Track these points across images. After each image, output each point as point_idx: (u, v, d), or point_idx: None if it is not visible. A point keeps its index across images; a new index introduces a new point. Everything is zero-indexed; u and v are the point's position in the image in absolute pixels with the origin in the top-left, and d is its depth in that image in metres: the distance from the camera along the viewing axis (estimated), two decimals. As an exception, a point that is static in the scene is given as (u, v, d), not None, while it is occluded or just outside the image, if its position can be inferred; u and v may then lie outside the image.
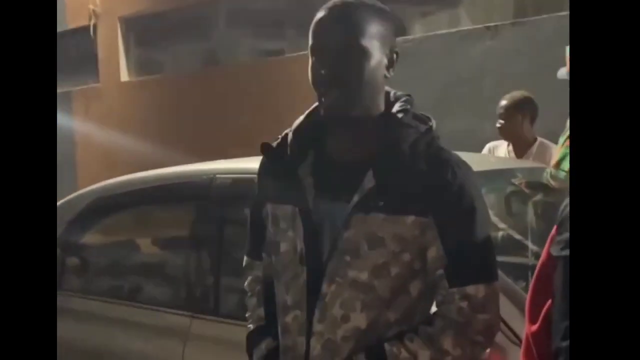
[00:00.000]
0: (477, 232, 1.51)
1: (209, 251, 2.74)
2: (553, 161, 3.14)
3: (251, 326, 1.75)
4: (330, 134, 1.59)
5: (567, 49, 3.39)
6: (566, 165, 3.05)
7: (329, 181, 1.56)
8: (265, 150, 1.65)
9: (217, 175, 2.72)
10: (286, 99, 6.76)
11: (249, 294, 1.79)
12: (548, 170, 3.05)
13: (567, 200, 1.43)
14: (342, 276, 1.52)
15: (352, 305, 1.51)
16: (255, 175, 2.84)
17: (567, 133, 3.17)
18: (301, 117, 1.65)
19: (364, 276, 1.51)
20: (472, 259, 1.50)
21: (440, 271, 1.50)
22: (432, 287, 1.54)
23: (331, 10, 1.52)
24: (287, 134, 1.64)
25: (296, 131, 1.62)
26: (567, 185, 2.93)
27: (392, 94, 1.61)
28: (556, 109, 3.95)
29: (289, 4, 7.18)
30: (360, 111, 1.53)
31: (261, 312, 1.73)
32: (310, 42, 1.53)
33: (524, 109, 4.05)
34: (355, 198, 1.51)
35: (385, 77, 1.55)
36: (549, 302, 1.44)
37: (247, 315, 1.79)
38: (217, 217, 2.70)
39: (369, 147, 1.54)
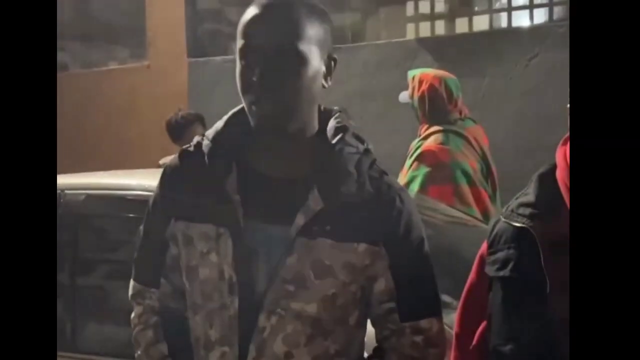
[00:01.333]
0: (426, 264, 1.42)
1: (59, 277, 2.48)
2: (401, 183, 3.25)
3: None
4: (259, 146, 1.40)
5: (410, 73, 3.54)
6: (415, 186, 3.19)
7: (261, 199, 1.37)
8: (183, 157, 1.44)
9: (67, 191, 2.48)
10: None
11: (140, 327, 1.50)
12: None
13: (498, 216, 1.46)
14: (284, 308, 1.34)
15: (296, 341, 1.35)
16: (112, 192, 2.60)
17: (414, 157, 3.32)
18: (219, 124, 1.44)
19: (311, 308, 1.35)
20: (424, 293, 1.41)
21: (390, 304, 1.40)
22: (377, 319, 1.43)
23: (265, 7, 1.33)
24: (200, 142, 1.43)
25: (215, 140, 1.41)
26: (418, 203, 3.10)
27: (321, 107, 1.45)
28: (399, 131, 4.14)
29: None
30: (297, 124, 1.36)
31: (163, 348, 1.48)
32: (239, 43, 1.34)
33: None
34: (301, 220, 1.34)
35: (323, 86, 1.38)
36: (484, 323, 1.45)
37: (137, 353, 1.52)
38: (68, 238, 2.45)
39: (307, 164, 1.39)
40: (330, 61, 1.38)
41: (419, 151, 3.30)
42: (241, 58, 1.33)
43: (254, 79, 1.30)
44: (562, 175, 1.33)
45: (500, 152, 3.77)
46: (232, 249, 1.36)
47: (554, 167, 1.37)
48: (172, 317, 1.48)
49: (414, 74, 3.48)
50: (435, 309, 1.42)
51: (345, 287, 1.36)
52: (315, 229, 1.34)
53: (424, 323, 1.40)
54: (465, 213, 3.09)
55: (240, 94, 1.35)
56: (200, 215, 1.39)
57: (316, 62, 1.34)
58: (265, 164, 1.39)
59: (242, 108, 1.43)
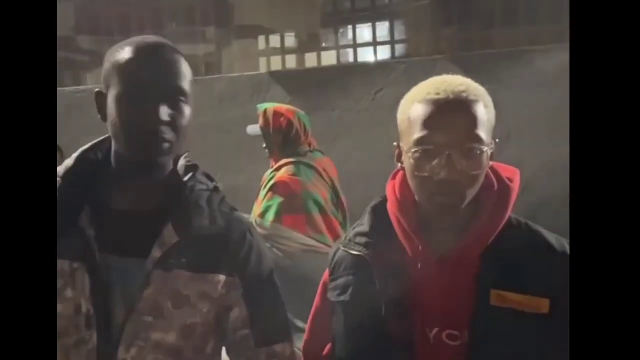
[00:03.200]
0: (276, 292, 1.51)
1: None
2: (256, 213, 3.35)
3: None
4: (114, 182, 1.44)
5: (259, 106, 3.65)
6: (270, 215, 3.29)
7: (116, 233, 1.40)
8: None
9: None
10: None
11: None
12: (253, 218, 3.25)
13: (337, 245, 1.56)
14: (143, 339, 1.38)
15: None
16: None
17: (267, 187, 3.42)
18: (69, 162, 1.47)
19: (170, 337, 1.39)
20: (276, 319, 1.50)
21: (245, 331, 1.47)
22: (233, 346, 1.49)
23: (147, 49, 1.38)
24: None
25: (65, 177, 1.44)
26: (272, 232, 3.20)
27: None
28: (252, 163, 4.23)
29: None
30: (166, 161, 1.44)
31: None
32: (120, 82, 1.36)
33: None
34: (157, 253, 1.38)
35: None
36: (328, 345, 1.55)
37: None
38: None
39: (161, 199, 1.44)
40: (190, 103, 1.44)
41: (272, 182, 3.40)
42: (124, 97, 1.35)
43: (146, 118, 1.34)
44: (391, 207, 1.46)
45: (349, 182, 3.96)
46: (88, 283, 1.38)
47: (385, 199, 1.50)
48: None
49: (265, 107, 3.60)
50: (287, 334, 1.51)
51: (203, 316, 1.42)
52: (171, 262, 1.39)
53: (277, 347, 1.48)
54: (317, 240, 3.22)
55: (120, 132, 1.36)
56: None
57: (190, 102, 1.41)
58: (121, 198, 1.43)
59: (93, 145, 1.49)
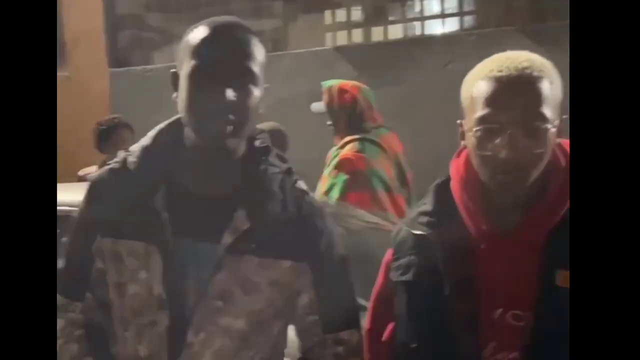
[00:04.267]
0: (347, 279, 1.50)
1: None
2: (321, 191, 3.35)
3: None
4: (188, 164, 1.42)
5: (324, 83, 3.63)
6: (334, 193, 3.28)
7: (189, 216, 1.39)
8: (109, 173, 1.46)
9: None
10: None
11: (63, 339, 1.48)
12: (318, 197, 3.24)
13: (400, 225, 1.56)
14: (213, 323, 1.38)
15: (225, 355, 1.39)
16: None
17: (332, 165, 3.41)
18: (145, 141, 1.46)
19: (239, 324, 1.39)
20: (345, 306, 1.49)
21: (314, 317, 1.46)
22: (302, 331, 1.49)
23: (221, 30, 1.37)
24: (125, 159, 1.45)
25: (141, 156, 1.43)
26: (337, 210, 3.19)
27: None
28: (316, 140, 4.24)
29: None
30: (237, 143, 1.40)
31: None
32: (191, 62, 1.35)
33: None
34: (229, 239, 1.37)
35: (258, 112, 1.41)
36: (390, 325, 1.54)
37: None
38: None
39: (234, 183, 1.42)
40: (263, 86, 1.42)
41: (337, 159, 3.39)
42: (194, 77, 1.34)
43: (214, 97, 1.33)
44: (455, 187, 1.44)
45: (416, 158, 3.91)
46: (161, 266, 1.38)
47: (449, 178, 1.47)
48: (96, 331, 1.49)
49: (330, 84, 3.57)
50: (355, 322, 1.51)
51: (271, 302, 1.42)
52: (241, 247, 1.38)
53: (344, 335, 1.47)
54: (382, 218, 3.20)
55: (188, 112, 1.36)
56: (129, 232, 1.41)
57: (261, 85, 1.39)
58: (194, 181, 1.42)
59: (169, 124, 1.48)
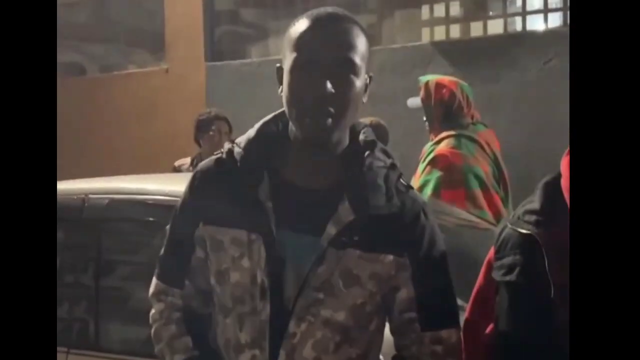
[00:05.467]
0: (447, 276, 1.47)
1: (83, 279, 2.56)
2: (415, 187, 3.30)
3: (175, 357, 1.50)
4: (292, 156, 1.43)
5: (421, 79, 3.58)
6: (428, 190, 3.23)
7: (292, 208, 1.40)
8: (214, 163, 1.48)
9: (90, 196, 2.56)
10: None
11: (162, 321, 1.52)
12: None
13: (504, 223, 1.49)
14: (314, 314, 1.38)
15: (325, 347, 1.39)
16: (133, 196, 2.65)
17: (427, 161, 3.36)
18: (251, 132, 1.48)
19: (340, 316, 1.39)
20: (444, 304, 1.46)
21: (411, 314, 1.44)
22: (398, 328, 1.47)
23: (321, 21, 1.37)
24: (231, 150, 1.46)
25: (247, 147, 1.44)
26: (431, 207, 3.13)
27: None
28: (411, 135, 4.19)
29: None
30: (339, 136, 1.40)
31: (188, 341, 1.49)
32: (291, 55, 1.36)
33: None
34: (332, 230, 1.37)
35: (362, 102, 1.41)
36: (491, 326, 1.49)
37: (158, 347, 1.53)
38: (91, 241, 2.53)
39: (337, 176, 1.42)
40: (368, 78, 1.42)
41: (432, 155, 3.34)
42: (296, 70, 1.35)
43: (314, 90, 1.33)
44: (566, 184, 1.37)
45: (513, 156, 3.81)
46: (264, 255, 1.39)
47: (558, 176, 1.41)
48: (195, 316, 1.52)
49: (427, 79, 3.52)
50: (455, 320, 1.47)
51: (372, 296, 1.41)
52: (344, 239, 1.38)
53: (443, 333, 1.44)
54: (477, 216, 3.13)
55: (290, 105, 1.38)
56: (232, 220, 1.42)
57: (363, 76, 1.39)
58: (297, 174, 1.43)
59: (274, 117, 1.50)
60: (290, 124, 1.43)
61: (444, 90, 3.41)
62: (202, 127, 4.35)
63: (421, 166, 3.37)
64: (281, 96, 1.41)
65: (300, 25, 1.38)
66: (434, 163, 3.29)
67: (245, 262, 1.41)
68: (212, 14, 6.59)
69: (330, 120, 1.34)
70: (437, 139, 3.40)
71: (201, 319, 1.53)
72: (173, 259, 1.54)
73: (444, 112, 3.41)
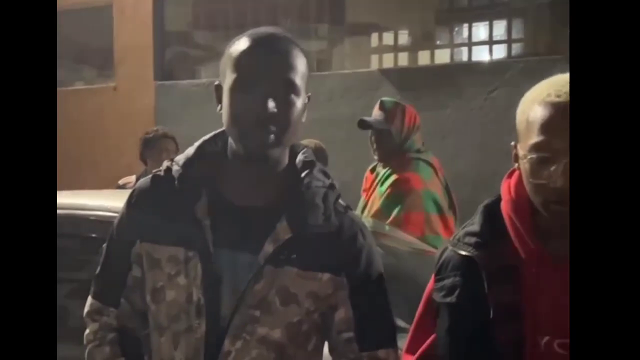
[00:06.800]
0: (385, 297, 1.48)
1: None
2: (372, 210, 3.29)
3: None
4: (230, 174, 1.44)
5: (387, 102, 3.50)
6: (390, 213, 3.20)
7: (229, 226, 1.40)
8: (153, 181, 1.48)
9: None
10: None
11: (96, 343, 1.50)
12: (368, 220, 3.15)
13: (445, 245, 1.51)
14: (250, 332, 1.38)
15: None
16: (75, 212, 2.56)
17: (386, 184, 3.33)
18: (190, 151, 1.48)
19: (276, 334, 1.39)
20: (382, 324, 1.47)
21: (349, 334, 1.44)
22: (336, 347, 1.47)
23: (261, 41, 1.38)
24: (169, 168, 1.46)
25: (185, 165, 1.44)
26: (381, 230, 3.13)
27: None
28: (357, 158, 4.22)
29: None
30: (279, 153, 1.41)
31: None
32: (231, 75, 1.37)
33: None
34: (269, 248, 1.38)
35: (302, 121, 1.43)
36: (431, 338, 1.49)
37: None
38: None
39: (276, 194, 1.43)
40: (307, 97, 1.43)
41: (392, 178, 3.31)
42: (237, 89, 1.36)
43: (256, 108, 1.34)
44: (506, 207, 1.40)
45: (457, 182, 3.87)
46: (201, 273, 1.39)
47: (499, 199, 1.43)
48: (130, 337, 1.50)
49: (393, 102, 3.47)
50: (393, 341, 1.48)
51: (309, 315, 1.41)
52: (282, 257, 1.38)
53: (381, 353, 1.45)
54: (429, 243, 3.11)
55: (232, 124, 1.38)
56: (169, 238, 1.42)
57: (303, 96, 1.40)
58: (236, 192, 1.43)
59: (213, 136, 1.50)
60: (230, 142, 1.44)
61: (413, 115, 3.42)
62: (148, 145, 4.32)
63: (380, 189, 3.34)
64: (221, 114, 1.42)
65: (241, 44, 1.39)
66: (395, 186, 3.27)
67: (182, 280, 1.40)
68: (162, 33, 6.57)
69: (272, 137, 1.35)
70: (394, 162, 3.37)
71: (137, 340, 1.51)
72: (109, 277, 1.52)
73: (406, 136, 3.40)
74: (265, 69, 1.35)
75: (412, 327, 1.57)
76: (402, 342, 1.58)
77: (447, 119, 4.98)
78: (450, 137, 4.89)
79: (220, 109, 1.42)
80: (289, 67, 1.36)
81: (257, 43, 1.38)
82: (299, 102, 1.38)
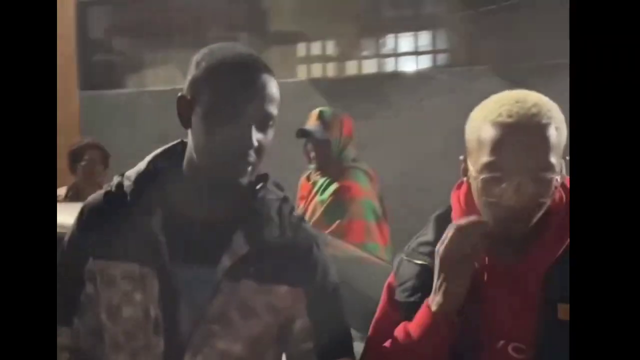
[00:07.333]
0: (340, 308, 1.50)
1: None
2: (314, 218, 3.31)
3: None
4: (185, 189, 1.42)
5: (325, 111, 3.52)
6: (331, 220, 3.23)
7: (185, 240, 1.39)
8: (103, 197, 1.45)
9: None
10: None
11: None
12: None
13: (400, 255, 1.54)
14: (210, 347, 1.37)
15: None
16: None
17: (327, 192, 3.35)
18: (141, 165, 1.46)
19: (236, 348, 1.39)
20: (339, 334, 1.49)
21: (308, 344, 1.45)
22: (294, 357, 1.48)
23: (241, 69, 1.36)
24: (120, 183, 1.44)
25: (137, 181, 1.43)
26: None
27: None
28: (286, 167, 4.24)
29: None
30: (247, 180, 1.39)
31: None
32: (211, 99, 1.34)
33: None
34: (227, 262, 1.38)
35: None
36: (389, 341, 1.51)
37: None
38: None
39: (231, 208, 1.42)
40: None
41: (333, 187, 3.34)
42: (216, 117, 1.34)
43: (239, 142, 1.32)
44: (457, 217, 1.44)
45: (389, 191, 3.94)
46: (158, 289, 1.38)
47: (449, 209, 1.49)
48: (84, 356, 1.47)
49: (331, 112, 3.50)
50: (350, 351, 1.50)
51: (269, 328, 1.42)
52: (239, 271, 1.38)
53: None
54: (369, 252, 3.15)
55: (208, 150, 1.35)
56: (123, 254, 1.40)
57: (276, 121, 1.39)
58: (191, 206, 1.42)
59: (164, 150, 1.48)
60: (188, 159, 1.42)
61: (351, 125, 3.47)
62: (75, 157, 4.26)
63: (321, 197, 3.36)
64: (187, 132, 1.40)
65: (221, 68, 1.36)
66: (337, 195, 3.30)
67: (138, 296, 1.38)
68: (85, 42, 6.43)
69: (250, 168, 1.35)
70: (332, 171, 3.40)
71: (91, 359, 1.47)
72: (60, 296, 1.45)
73: (343, 145, 3.44)
74: (249, 101, 1.33)
75: (372, 324, 1.57)
76: (356, 350, 1.61)
77: (376, 129, 5.06)
78: (379, 146, 4.97)
79: (183, 123, 1.40)
80: (269, 98, 1.35)
81: (239, 72, 1.35)
82: (272, 132, 1.38)
